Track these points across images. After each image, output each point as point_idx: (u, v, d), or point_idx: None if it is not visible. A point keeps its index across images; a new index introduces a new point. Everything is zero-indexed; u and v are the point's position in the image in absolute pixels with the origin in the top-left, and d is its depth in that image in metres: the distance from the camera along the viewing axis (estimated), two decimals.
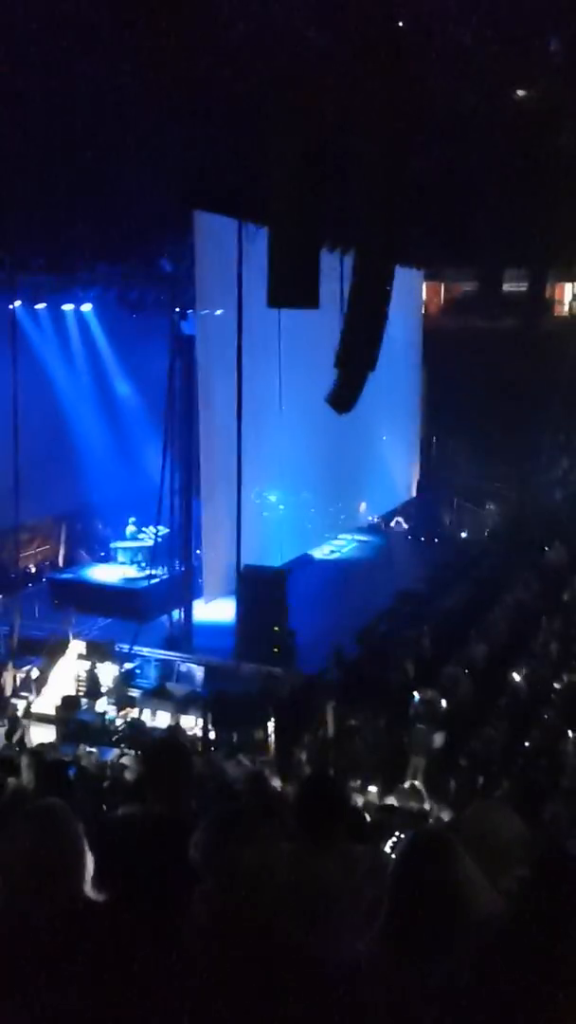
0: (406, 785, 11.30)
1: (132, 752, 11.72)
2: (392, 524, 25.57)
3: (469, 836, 2.87)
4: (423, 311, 27.63)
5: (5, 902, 2.32)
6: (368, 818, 6.48)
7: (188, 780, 3.37)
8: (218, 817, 2.00)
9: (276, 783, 10.29)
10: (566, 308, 29.87)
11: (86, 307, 19.46)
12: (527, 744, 12.80)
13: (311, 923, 1.89)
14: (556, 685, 14.53)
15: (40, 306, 18.77)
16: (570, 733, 12.54)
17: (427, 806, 10.97)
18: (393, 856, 2.08)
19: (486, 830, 2.89)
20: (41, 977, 1.94)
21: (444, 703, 14.69)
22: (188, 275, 15.78)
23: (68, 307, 19.43)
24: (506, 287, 19.53)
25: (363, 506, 25.44)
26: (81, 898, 2.35)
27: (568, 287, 29.88)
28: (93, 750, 12.34)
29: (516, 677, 15.05)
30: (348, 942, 1.97)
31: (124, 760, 10.92)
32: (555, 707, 13.78)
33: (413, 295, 25.52)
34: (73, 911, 2.27)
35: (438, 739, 13.67)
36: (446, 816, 9.33)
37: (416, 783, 11.28)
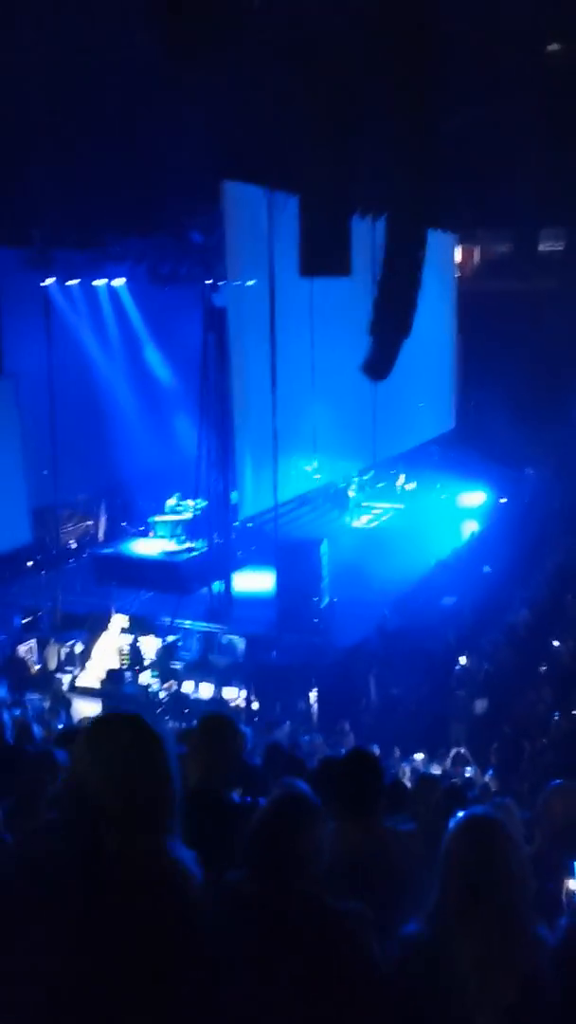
0: (451, 753, 11.28)
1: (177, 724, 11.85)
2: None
3: (543, 817, 2.85)
4: (457, 275, 27.25)
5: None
6: (411, 787, 6.49)
7: (236, 755, 3.37)
8: (278, 803, 1.99)
9: (321, 753, 10.34)
10: None
11: (118, 282, 19.45)
12: (572, 710, 12.72)
13: (356, 901, 1.88)
14: None
15: (72, 282, 18.79)
16: None
17: (469, 772, 10.98)
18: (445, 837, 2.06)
19: (556, 808, 2.87)
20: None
21: (486, 670, 14.67)
22: (219, 246, 15.68)
23: (100, 283, 19.43)
24: (542, 247, 19.19)
25: (402, 477, 25.30)
26: None
27: None
28: None
29: (557, 643, 14.96)
30: (396, 923, 1.96)
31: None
32: None
33: (446, 259, 25.16)
34: None
35: (480, 705, 13.67)
36: (493, 784, 9.32)
37: (461, 750, 11.27)
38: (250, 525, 20.36)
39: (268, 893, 1.82)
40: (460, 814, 2.08)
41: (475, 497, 24.10)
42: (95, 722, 2.22)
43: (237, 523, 18.67)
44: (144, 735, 2.11)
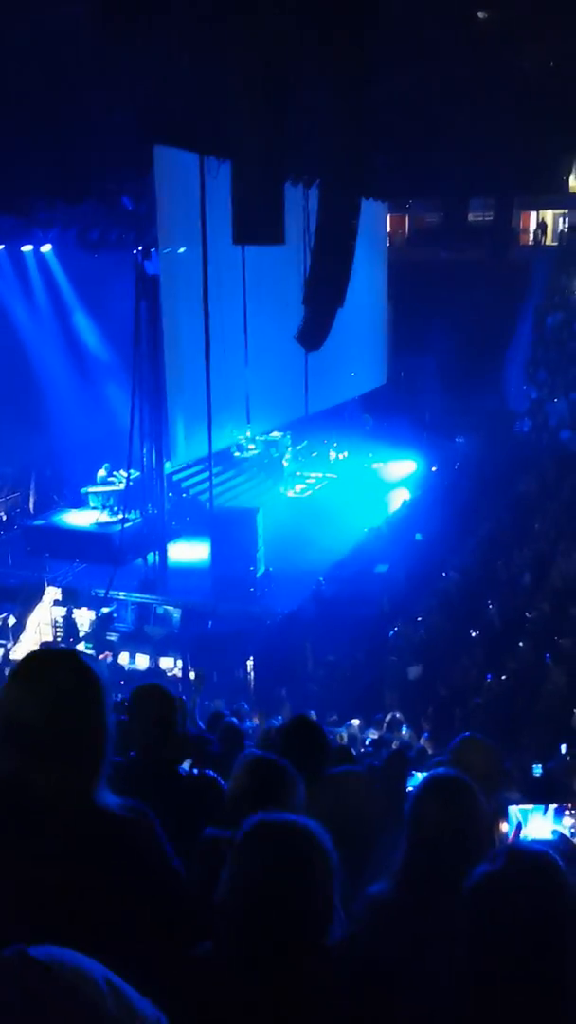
0: (387, 718, 11.49)
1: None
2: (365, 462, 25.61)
3: (453, 765, 2.98)
4: (388, 244, 27.34)
5: None
6: (353, 753, 6.60)
7: (173, 724, 3.39)
8: (256, 767, 2.01)
9: (255, 721, 10.45)
10: (531, 237, 29.68)
11: (46, 248, 19.02)
12: (503, 673, 13.03)
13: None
14: (528, 615, 14.76)
15: None
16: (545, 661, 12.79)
17: (405, 734, 11.20)
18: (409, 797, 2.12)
19: (470, 760, 3.00)
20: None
21: (420, 635, 14.92)
22: (150, 213, 15.44)
23: (27, 248, 18.98)
24: (471, 217, 19.33)
25: (334, 444, 25.44)
26: None
27: (533, 215, 29.66)
28: None
29: (490, 607, 15.28)
30: (363, 881, 2.01)
31: None
32: (529, 636, 14.02)
33: (377, 228, 25.19)
34: None
35: (414, 671, 13.91)
36: (428, 747, 9.53)
37: (397, 715, 11.48)
38: (185, 496, 20.30)
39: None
40: (420, 776, 2.14)
41: (402, 467, 24.31)
42: (26, 656, 2.02)
43: (171, 493, 18.60)
44: (78, 668, 1.93)
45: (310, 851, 1.71)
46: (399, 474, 24.10)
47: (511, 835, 3.91)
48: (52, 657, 1.99)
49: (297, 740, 3.57)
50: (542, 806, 4.16)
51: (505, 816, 4.00)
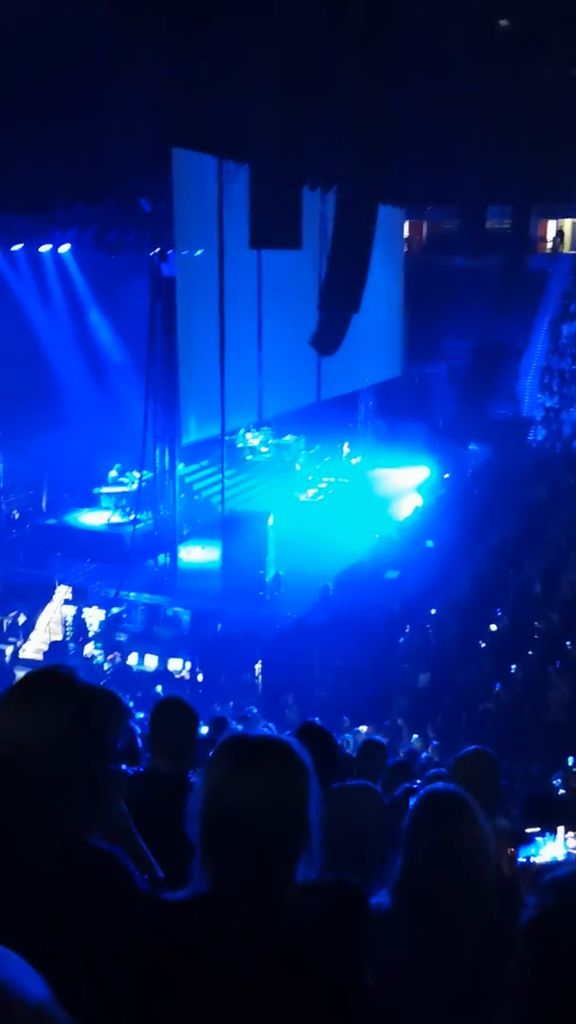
0: (394, 724, 11.48)
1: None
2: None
3: (457, 780, 2.96)
4: (405, 249, 27.29)
5: None
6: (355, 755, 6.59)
7: (194, 739, 3.39)
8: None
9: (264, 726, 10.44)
10: (549, 245, 29.60)
11: (64, 248, 19.07)
12: (511, 682, 13.00)
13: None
14: (537, 624, 14.72)
15: (17, 247, 18.39)
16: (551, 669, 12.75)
17: (414, 742, 11.19)
18: (407, 811, 2.11)
19: (475, 776, 2.99)
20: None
21: (428, 642, 14.90)
22: (167, 215, 15.48)
23: (46, 248, 19.04)
24: (489, 224, 19.30)
25: (346, 447, 25.41)
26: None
27: (551, 224, 29.58)
28: None
29: (499, 616, 15.24)
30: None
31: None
32: (537, 645, 13.98)
33: (395, 233, 25.16)
34: None
35: (423, 679, 13.89)
36: (435, 755, 9.51)
37: (399, 721, 11.47)
38: (196, 498, 20.33)
39: None
40: (420, 791, 2.12)
41: (407, 474, 24.20)
42: (24, 678, 1.83)
43: (182, 495, 18.61)
44: (83, 695, 1.77)
45: (283, 763, 1.67)
46: (402, 483, 23.95)
47: (526, 859, 3.86)
48: (52, 677, 1.82)
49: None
50: (559, 829, 4.11)
51: (521, 840, 3.95)
